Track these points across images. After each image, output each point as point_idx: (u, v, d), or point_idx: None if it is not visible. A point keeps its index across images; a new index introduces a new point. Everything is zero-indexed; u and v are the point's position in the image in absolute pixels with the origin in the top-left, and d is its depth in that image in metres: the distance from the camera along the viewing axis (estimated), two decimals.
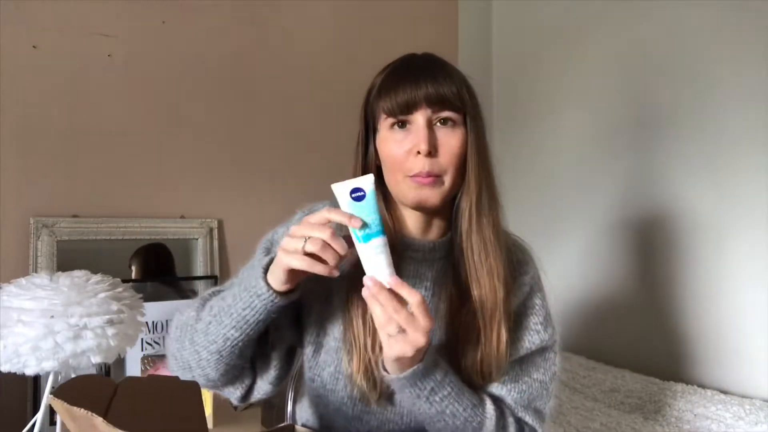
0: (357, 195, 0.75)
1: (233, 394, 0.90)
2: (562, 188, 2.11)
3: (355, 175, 0.87)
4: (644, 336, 1.78)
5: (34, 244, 1.56)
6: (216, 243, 1.83)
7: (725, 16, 1.61)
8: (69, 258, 1.57)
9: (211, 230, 1.83)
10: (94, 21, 1.67)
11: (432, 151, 0.82)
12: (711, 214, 1.63)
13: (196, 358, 0.83)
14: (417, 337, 0.71)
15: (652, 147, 1.79)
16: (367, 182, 0.76)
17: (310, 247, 0.72)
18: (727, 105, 1.60)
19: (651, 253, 1.78)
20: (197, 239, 1.81)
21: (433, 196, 0.84)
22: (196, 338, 0.83)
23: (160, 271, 1.79)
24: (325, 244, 0.72)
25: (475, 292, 0.85)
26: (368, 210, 0.74)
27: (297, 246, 0.72)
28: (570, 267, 2.03)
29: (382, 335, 0.73)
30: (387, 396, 0.86)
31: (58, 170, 1.61)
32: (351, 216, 0.73)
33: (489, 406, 0.84)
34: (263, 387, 0.90)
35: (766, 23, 1.51)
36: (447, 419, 0.80)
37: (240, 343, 0.80)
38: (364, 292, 0.73)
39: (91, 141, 1.66)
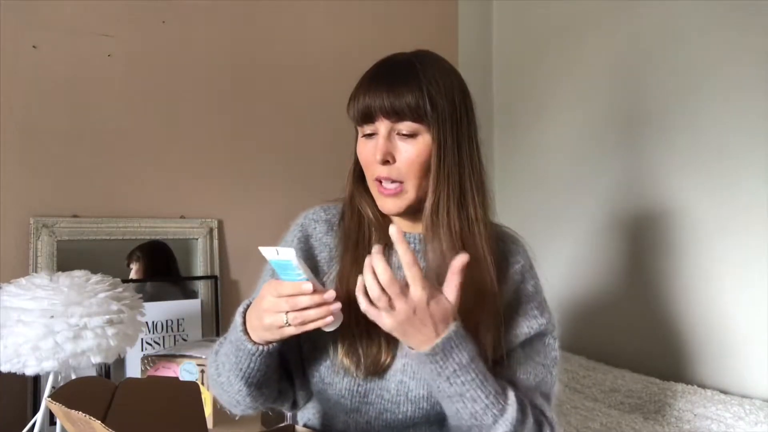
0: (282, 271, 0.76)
1: (283, 406, 0.97)
2: (560, 187, 2.11)
3: (351, 166, 0.96)
4: (644, 336, 1.78)
5: (34, 244, 1.56)
6: (216, 243, 1.83)
7: (715, 15, 1.62)
8: (69, 258, 1.57)
9: (211, 230, 1.83)
10: (94, 21, 1.67)
11: (390, 160, 0.86)
12: (708, 212, 1.63)
13: (236, 399, 0.90)
14: (389, 314, 0.76)
15: (647, 145, 1.79)
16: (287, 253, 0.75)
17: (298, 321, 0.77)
18: (717, 104, 1.61)
19: (650, 252, 1.78)
20: (197, 239, 1.81)
21: (396, 205, 0.89)
22: (226, 388, 0.90)
23: (161, 270, 1.79)
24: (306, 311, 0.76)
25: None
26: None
27: (281, 321, 0.77)
28: (568, 266, 2.03)
29: (372, 312, 0.78)
30: (374, 372, 0.89)
31: (58, 170, 1.61)
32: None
33: (511, 394, 0.84)
34: (305, 389, 0.96)
35: (757, 23, 1.52)
36: (466, 402, 0.81)
37: (263, 380, 0.87)
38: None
39: (91, 141, 1.66)
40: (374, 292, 0.76)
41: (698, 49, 1.66)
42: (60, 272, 1.35)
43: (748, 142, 1.54)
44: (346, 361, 0.88)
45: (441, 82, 0.87)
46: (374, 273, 0.76)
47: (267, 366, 0.85)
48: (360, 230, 0.94)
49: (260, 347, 0.82)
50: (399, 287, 0.76)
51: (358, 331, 0.88)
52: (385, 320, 0.77)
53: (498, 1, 2.41)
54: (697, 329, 1.66)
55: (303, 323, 0.77)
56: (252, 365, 0.83)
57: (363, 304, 0.78)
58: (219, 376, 0.90)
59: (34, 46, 1.59)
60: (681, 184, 1.70)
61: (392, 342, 0.89)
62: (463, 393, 0.80)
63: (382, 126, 0.87)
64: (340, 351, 0.89)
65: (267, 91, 1.95)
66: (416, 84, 0.85)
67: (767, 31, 1.50)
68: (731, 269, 1.58)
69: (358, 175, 0.96)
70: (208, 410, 1.49)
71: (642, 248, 1.81)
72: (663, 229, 1.74)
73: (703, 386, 1.56)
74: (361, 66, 0.94)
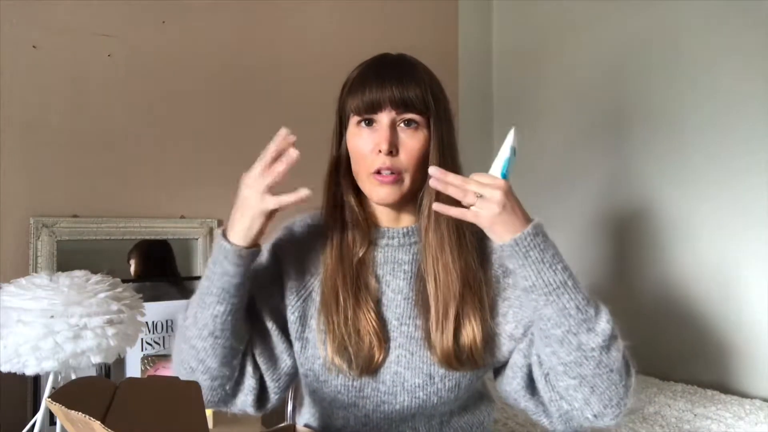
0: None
1: (246, 402, 0.92)
2: (555, 186, 2.11)
3: (330, 165, 0.98)
4: (643, 336, 1.78)
5: (34, 244, 1.56)
6: None
7: (707, 18, 1.63)
8: (69, 258, 1.57)
9: (211, 230, 1.83)
10: (94, 21, 1.67)
11: (393, 151, 0.87)
12: (708, 213, 1.63)
13: (194, 353, 0.86)
14: (493, 192, 0.77)
15: (636, 145, 1.80)
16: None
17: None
18: (704, 105, 1.63)
19: (649, 252, 1.78)
20: (197, 239, 1.81)
21: (392, 194, 0.89)
22: (188, 333, 0.87)
23: (161, 268, 1.79)
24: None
25: (430, 286, 0.89)
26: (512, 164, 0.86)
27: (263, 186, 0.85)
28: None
29: (470, 214, 0.78)
30: (368, 370, 0.89)
31: (58, 170, 1.61)
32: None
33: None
34: (277, 384, 0.93)
35: (747, 25, 1.52)
36: (570, 292, 0.80)
37: (229, 317, 0.84)
38: (432, 182, 0.79)
39: (91, 141, 1.66)
40: (458, 192, 0.78)
41: (689, 52, 1.68)
42: (60, 272, 1.35)
43: (736, 142, 1.55)
44: (338, 361, 0.88)
45: (435, 82, 0.92)
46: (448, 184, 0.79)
47: (244, 289, 0.84)
48: (344, 231, 0.94)
49: (241, 247, 0.82)
50: (477, 181, 0.78)
51: (346, 330, 0.88)
52: (489, 208, 0.77)
53: (498, 1, 2.41)
54: (696, 329, 1.66)
55: (272, 161, 0.86)
56: (235, 280, 0.82)
57: (451, 210, 0.79)
58: (186, 320, 0.88)
59: (34, 46, 1.59)
60: (670, 185, 1.71)
61: (384, 337, 0.90)
62: (566, 281, 0.80)
63: (385, 117, 0.88)
64: (330, 351, 0.88)
65: (267, 91, 1.95)
66: (420, 78, 0.89)
67: (756, 32, 1.50)
68: (728, 268, 1.58)
69: (345, 171, 0.95)
70: (208, 410, 1.49)
71: (636, 248, 1.82)
72: (663, 229, 1.74)
73: (703, 386, 1.56)
74: None
